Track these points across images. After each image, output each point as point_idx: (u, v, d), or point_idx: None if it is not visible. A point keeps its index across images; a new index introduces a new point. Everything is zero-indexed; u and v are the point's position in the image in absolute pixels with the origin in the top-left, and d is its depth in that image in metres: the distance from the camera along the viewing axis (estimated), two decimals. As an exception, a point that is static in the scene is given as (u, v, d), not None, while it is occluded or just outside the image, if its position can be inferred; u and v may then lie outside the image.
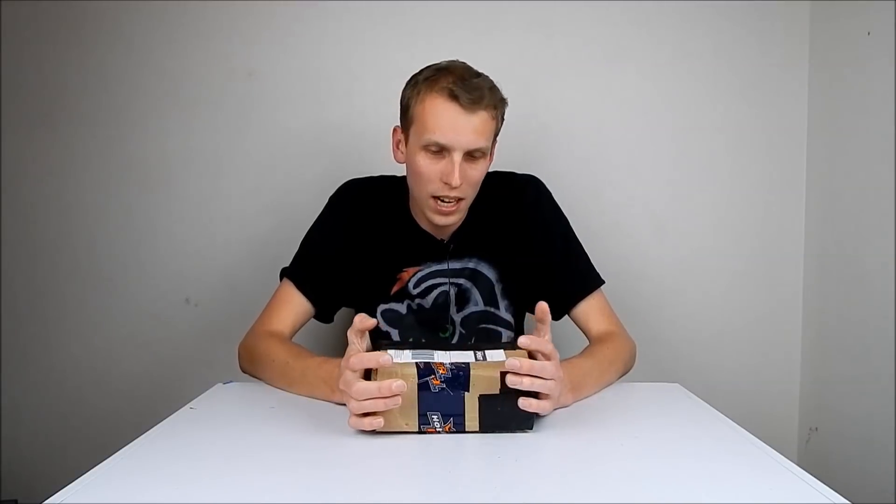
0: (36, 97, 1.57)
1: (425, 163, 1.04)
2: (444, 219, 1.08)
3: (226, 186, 1.59)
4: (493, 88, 1.05)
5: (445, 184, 1.03)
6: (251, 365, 1.09)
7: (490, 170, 1.22)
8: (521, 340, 0.83)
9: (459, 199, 1.06)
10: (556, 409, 0.88)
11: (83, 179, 1.58)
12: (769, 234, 1.62)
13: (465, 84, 1.01)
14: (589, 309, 1.15)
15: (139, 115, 1.58)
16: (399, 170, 1.20)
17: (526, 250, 1.17)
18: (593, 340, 1.13)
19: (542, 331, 0.87)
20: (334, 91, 1.58)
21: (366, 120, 1.55)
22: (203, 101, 1.58)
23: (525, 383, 0.80)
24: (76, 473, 0.71)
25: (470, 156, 1.04)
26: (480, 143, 1.03)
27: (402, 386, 0.78)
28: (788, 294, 1.63)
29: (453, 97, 1.00)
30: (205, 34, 1.57)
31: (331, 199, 1.21)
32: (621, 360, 1.09)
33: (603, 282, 1.18)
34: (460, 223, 1.15)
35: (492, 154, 1.13)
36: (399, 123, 1.12)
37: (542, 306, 0.87)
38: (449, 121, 1.01)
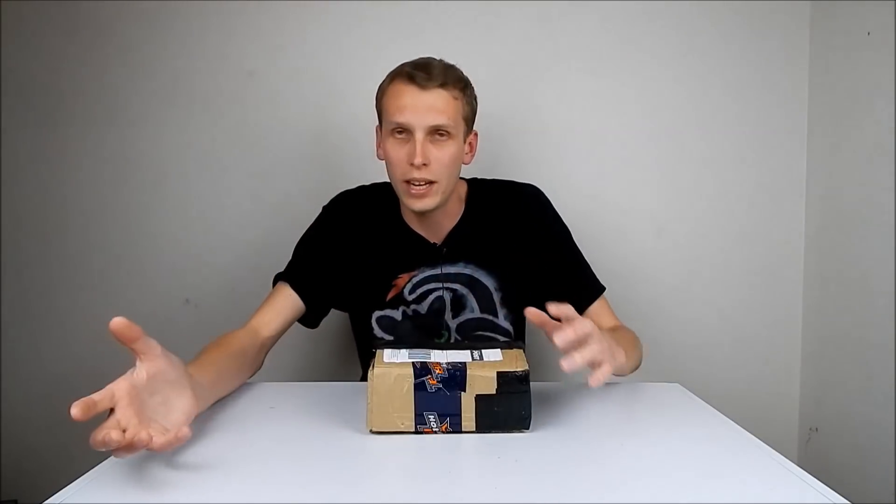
0: (36, 97, 1.57)
1: (393, 148, 1.07)
2: (418, 202, 1.07)
3: (225, 187, 1.59)
4: (451, 68, 1.08)
5: (411, 165, 1.05)
6: None
7: (490, 177, 1.23)
8: (551, 309, 0.78)
9: (431, 182, 1.06)
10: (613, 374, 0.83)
11: (83, 179, 1.59)
12: (769, 234, 1.62)
13: (420, 67, 1.06)
14: (599, 312, 1.17)
15: (139, 116, 1.58)
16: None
17: (527, 259, 1.17)
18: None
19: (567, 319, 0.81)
20: (334, 91, 1.58)
21: (365, 120, 1.54)
22: (202, 101, 1.58)
23: (569, 336, 0.75)
24: (76, 473, 0.71)
25: (434, 136, 1.06)
26: (441, 120, 1.05)
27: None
28: (788, 294, 1.63)
29: (409, 79, 1.05)
30: (204, 34, 1.57)
31: (324, 208, 1.21)
32: (638, 346, 1.11)
33: (604, 288, 1.20)
34: (455, 224, 1.16)
35: (472, 145, 1.15)
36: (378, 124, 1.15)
37: (544, 312, 0.81)
38: (407, 100, 1.05)
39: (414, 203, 1.08)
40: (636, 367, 1.09)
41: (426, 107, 1.04)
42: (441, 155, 1.06)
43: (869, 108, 1.40)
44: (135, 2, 1.56)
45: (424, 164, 1.04)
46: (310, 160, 1.59)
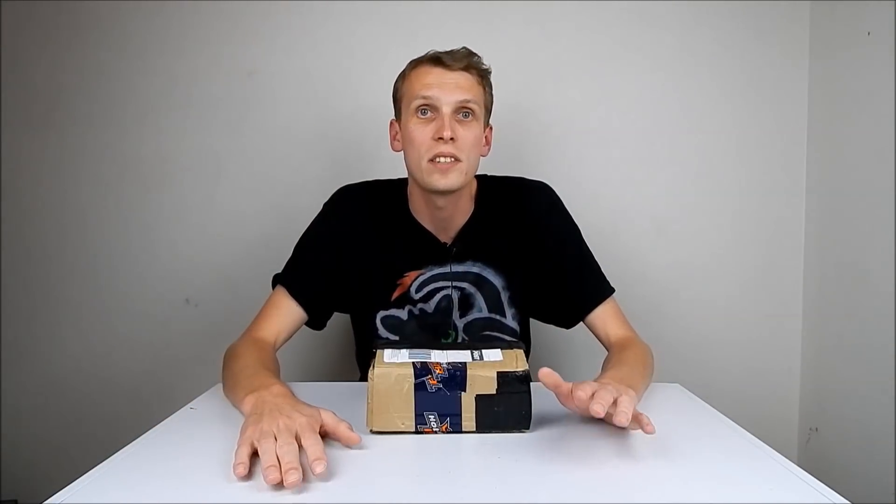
0: (36, 97, 1.57)
1: (417, 127, 1.06)
2: (443, 178, 1.04)
3: (226, 186, 1.60)
4: (475, 55, 1.09)
5: (439, 139, 1.03)
6: (224, 364, 1.03)
7: (498, 174, 1.22)
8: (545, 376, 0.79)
9: (457, 160, 1.05)
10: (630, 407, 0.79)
11: (83, 180, 1.59)
12: (769, 234, 1.62)
13: (445, 52, 1.08)
14: (605, 316, 1.14)
15: (139, 116, 1.58)
16: (395, 174, 1.20)
17: (536, 258, 1.15)
18: (612, 346, 1.11)
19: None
20: (334, 91, 1.58)
21: (366, 119, 1.56)
22: (203, 101, 1.58)
23: (596, 410, 0.75)
24: (76, 473, 0.71)
25: (460, 115, 1.06)
26: (467, 96, 1.05)
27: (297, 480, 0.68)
28: (788, 294, 1.63)
29: (436, 61, 1.07)
30: (205, 34, 1.58)
31: (325, 205, 1.18)
32: (649, 364, 1.07)
33: (613, 290, 1.16)
34: (465, 223, 1.14)
35: (488, 138, 1.15)
36: (394, 117, 1.14)
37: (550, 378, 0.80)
38: (434, 78, 1.06)
39: (439, 180, 1.05)
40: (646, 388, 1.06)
41: (453, 84, 1.05)
42: (466, 133, 1.05)
43: (869, 108, 1.40)
44: (135, 2, 1.56)
45: (452, 139, 1.03)
46: (310, 160, 1.59)
